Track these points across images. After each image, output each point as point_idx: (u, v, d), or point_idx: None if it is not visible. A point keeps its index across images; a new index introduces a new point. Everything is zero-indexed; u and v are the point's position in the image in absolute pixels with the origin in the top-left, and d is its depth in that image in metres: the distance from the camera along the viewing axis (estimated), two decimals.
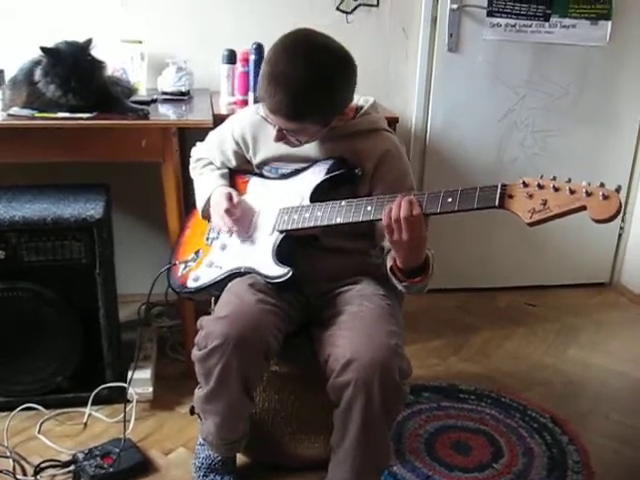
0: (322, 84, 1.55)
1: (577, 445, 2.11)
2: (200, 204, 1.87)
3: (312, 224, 1.63)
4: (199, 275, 1.79)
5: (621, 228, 3.33)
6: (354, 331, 1.58)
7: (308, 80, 1.53)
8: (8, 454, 1.95)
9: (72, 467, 1.90)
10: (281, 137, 1.64)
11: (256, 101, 2.40)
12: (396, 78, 2.94)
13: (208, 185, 1.86)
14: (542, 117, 3.06)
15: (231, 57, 2.53)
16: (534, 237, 3.15)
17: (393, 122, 2.45)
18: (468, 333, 2.85)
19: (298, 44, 1.57)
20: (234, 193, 1.79)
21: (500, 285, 3.26)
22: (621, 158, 3.20)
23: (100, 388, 2.16)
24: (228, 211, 1.74)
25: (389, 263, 1.62)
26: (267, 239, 1.70)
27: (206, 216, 1.87)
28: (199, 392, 1.71)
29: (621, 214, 3.16)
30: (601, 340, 2.86)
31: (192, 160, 1.99)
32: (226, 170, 1.91)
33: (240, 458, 1.94)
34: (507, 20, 2.88)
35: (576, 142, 3.11)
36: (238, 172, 1.90)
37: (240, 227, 1.76)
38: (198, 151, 1.99)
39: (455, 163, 3.03)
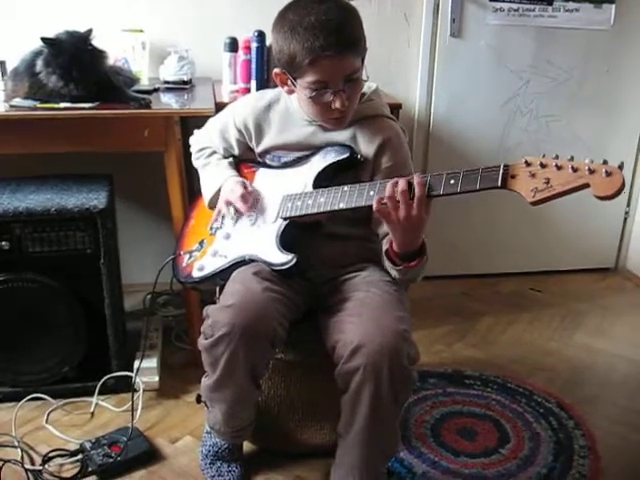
0: (351, 13, 1.60)
1: (583, 430, 2.11)
2: (209, 195, 1.86)
3: (315, 210, 1.62)
4: (204, 265, 1.79)
5: (626, 213, 3.32)
6: (362, 317, 1.57)
7: (340, 10, 1.57)
8: (16, 444, 1.96)
9: (80, 456, 1.91)
10: (333, 108, 1.60)
11: (259, 88, 2.39)
12: (398, 64, 2.92)
13: (218, 175, 1.85)
14: (546, 102, 3.04)
15: (233, 45, 2.52)
16: (539, 223, 3.15)
17: (396, 108, 2.44)
18: (473, 319, 2.85)
19: None
20: (247, 182, 1.79)
21: (505, 271, 3.26)
22: (626, 142, 3.18)
23: (106, 378, 2.17)
24: (243, 197, 1.74)
25: (385, 246, 1.62)
26: (271, 227, 1.70)
27: (213, 207, 1.87)
28: (206, 380, 1.71)
29: (626, 199, 3.22)
30: (607, 325, 2.86)
31: (194, 150, 1.98)
32: (232, 159, 1.90)
33: (247, 445, 1.95)
34: (510, 4, 2.86)
35: (580, 127, 3.10)
36: (241, 161, 1.89)
37: (247, 214, 1.77)
38: (199, 140, 1.97)
39: (459, 149, 3.02)
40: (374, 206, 1.47)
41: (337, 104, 1.59)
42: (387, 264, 1.63)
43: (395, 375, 1.51)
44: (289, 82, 1.66)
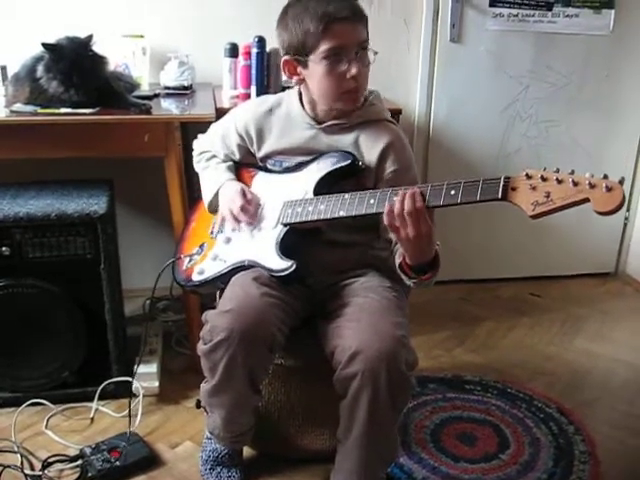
0: None
1: (583, 435, 2.11)
2: (207, 198, 1.87)
3: (315, 217, 1.62)
4: (204, 268, 1.79)
5: (626, 218, 3.31)
6: (360, 323, 1.57)
7: None
8: (16, 449, 1.96)
9: (79, 462, 1.91)
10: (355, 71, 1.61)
11: (259, 93, 2.40)
12: (398, 69, 2.92)
13: (216, 179, 1.85)
14: (545, 107, 3.04)
15: (233, 50, 2.52)
16: (539, 228, 3.12)
17: (396, 113, 2.44)
18: (473, 324, 2.85)
19: None
20: (247, 189, 1.80)
21: (504, 276, 3.26)
22: (625, 148, 3.19)
23: (106, 383, 2.17)
24: (244, 208, 1.74)
25: (398, 260, 1.61)
26: (271, 232, 1.70)
27: (213, 210, 1.87)
28: (205, 386, 1.72)
29: (626, 204, 3.21)
30: (606, 330, 2.85)
31: (195, 153, 1.99)
32: (231, 163, 1.91)
33: (247, 451, 1.95)
34: (510, 10, 2.87)
35: (580, 132, 3.10)
36: (242, 165, 1.90)
37: (250, 222, 1.77)
38: (201, 144, 1.98)
39: (459, 154, 3.02)
40: (385, 220, 1.46)
41: (353, 70, 1.60)
42: (402, 276, 1.62)
43: (393, 381, 1.51)
44: (299, 69, 1.67)
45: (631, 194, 3.26)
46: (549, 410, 2.23)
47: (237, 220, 1.77)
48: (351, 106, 1.69)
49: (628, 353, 2.66)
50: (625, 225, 3.33)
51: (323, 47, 1.59)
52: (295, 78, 1.70)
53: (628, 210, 3.30)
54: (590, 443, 2.07)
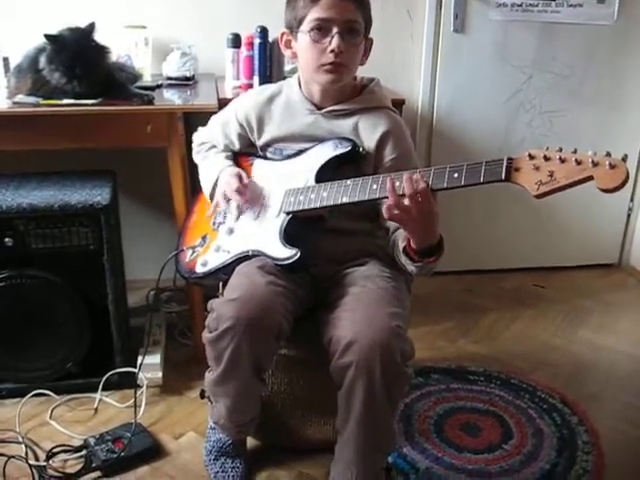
0: None
1: (587, 426, 2.11)
2: (208, 186, 1.86)
3: (318, 204, 1.62)
4: (207, 260, 1.79)
5: (630, 209, 3.30)
6: (355, 313, 1.57)
7: None
8: (20, 440, 1.96)
9: (83, 452, 1.91)
10: (338, 54, 1.62)
11: (262, 83, 2.39)
12: (402, 60, 2.92)
13: (215, 167, 1.85)
14: (549, 97, 3.03)
15: (236, 41, 2.52)
16: (542, 219, 3.15)
17: (399, 104, 2.43)
18: (477, 315, 2.85)
19: None
20: (244, 174, 1.79)
21: (508, 267, 3.26)
22: (630, 138, 3.17)
23: (110, 374, 2.17)
24: (238, 190, 1.74)
25: (402, 244, 1.60)
26: (274, 221, 1.70)
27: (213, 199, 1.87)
28: (210, 375, 1.71)
29: (629, 195, 3.20)
30: (610, 321, 2.85)
31: (194, 145, 1.99)
32: (230, 153, 1.91)
33: (250, 441, 1.95)
34: (513, 0, 2.86)
35: (584, 122, 3.09)
36: (242, 155, 1.89)
37: (248, 208, 1.77)
38: (200, 135, 1.98)
39: (462, 145, 3.01)
40: (389, 199, 1.45)
41: (333, 44, 1.61)
42: (404, 260, 1.62)
43: (387, 371, 1.51)
44: (292, 43, 1.70)
45: (635, 184, 3.25)
46: (552, 401, 2.23)
47: (228, 200, 1.76)
48: (329, 81, 1.67)
49: (631, 345, 2.66)
50: (629, 216, 3.32)
51: (310, 17, 1.62)
52: (289, 52, 1.74)
53: (632, 201, 3.29)
54: (593, 434, 2.07)
